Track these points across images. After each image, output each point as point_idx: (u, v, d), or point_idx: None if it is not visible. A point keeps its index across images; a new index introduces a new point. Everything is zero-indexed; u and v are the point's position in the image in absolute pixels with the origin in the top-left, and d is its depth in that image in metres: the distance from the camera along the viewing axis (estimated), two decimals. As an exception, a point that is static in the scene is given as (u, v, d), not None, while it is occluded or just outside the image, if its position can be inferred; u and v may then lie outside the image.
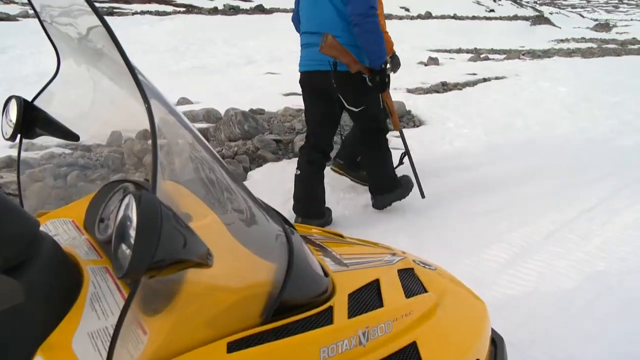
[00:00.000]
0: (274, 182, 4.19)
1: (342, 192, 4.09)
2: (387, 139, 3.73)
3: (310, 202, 3.52)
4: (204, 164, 0.95)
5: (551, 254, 3.28)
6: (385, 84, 3.38)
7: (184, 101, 7.64)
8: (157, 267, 0.62)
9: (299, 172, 3.52)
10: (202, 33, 16.72)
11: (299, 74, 3.58)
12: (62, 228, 1.15)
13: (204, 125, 5.71)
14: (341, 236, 1.66)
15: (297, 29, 3.69)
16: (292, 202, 3.61)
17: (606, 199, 4.25)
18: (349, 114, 3.58)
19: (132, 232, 0.61)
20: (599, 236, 3.56)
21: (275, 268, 0.97)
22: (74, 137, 1.29)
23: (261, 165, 4.62)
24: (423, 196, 3.86)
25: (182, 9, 21.81)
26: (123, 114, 1.16)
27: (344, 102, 3.42)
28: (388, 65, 3.43)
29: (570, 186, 4.50)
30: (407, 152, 3.90)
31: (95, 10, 0.73)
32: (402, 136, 3.93)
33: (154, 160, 0.66)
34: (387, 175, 3.71)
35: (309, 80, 3.51)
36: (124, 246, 0.64)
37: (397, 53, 4.29)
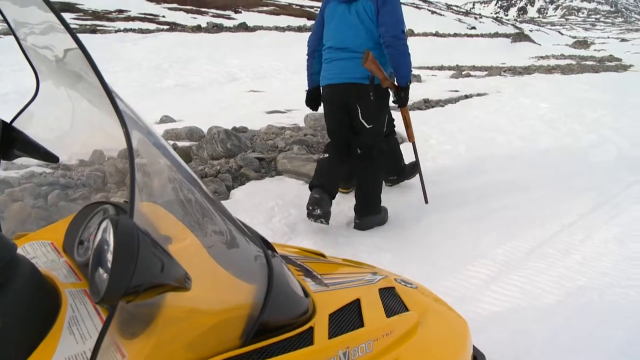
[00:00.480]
0: (257, 201, 4.18)
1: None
2: (382, 163, 3.94)
3: (331, 177, 3.74)
4: (182, 186, 0.95)
5: (533, 270, 3.30)
6: (407, 99, 3.75)
7: (166, 119, 7.62)
8: (134, 292, 0.62)
9: (327, 155, 3.88)
10: (185, 51, 16.75)
11: (321, 87, 3.81)
12: (41, 250, 1.14)
13: (186, 143, 5.70)
14: (323, 256, 1.66)
15: (312, 46, 3.89)
16: (274, 219, 3.65)
17: (586, 214, 4.30)
18: (357, 127, 3.75)
19: (110, 257, 0.61)
20: (579, 251, 3.59)
21: (255, 290, 0.97)
22: (54, 159, 1.28)
23: (244, 184, 4.61)
24: (426, 201, 4.31)
25: (165, 27, 21.85)
26: (104, 134, 1.15)
27: (359, 113, 3.65)
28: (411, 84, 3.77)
29: (552, 202, 4.54)
30: (417, 163, 4.34)
31: (72, 34, 0.74)
32: (414, 148, 4.34)
33: (132, 185, 0.66)
34: (376, 197, 3.86)
35: (333, 92, 3.72)
36: (101, 270, 0.64)
37: None
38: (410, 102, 7.68)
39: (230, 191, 4.41)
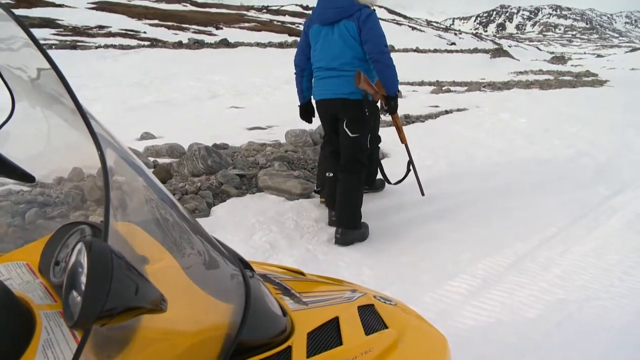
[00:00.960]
0: (238, 218, 4.17)
1: (305, 227, 4.08)
2: (363, 176, 4.08)
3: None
4: (159, 205, 0.95)
5: (514, 284, 3.32)
6: (397, 107, 4.01)
7: (147, 136, 7.59)
8: (108, 315, 0.61)
9: (332, 174, 4.13)
10: (166, 67, 16.72)
11: (315, 101, 4.14)
12: (16, 272, 1.12)
13: (167, 160, 5.68)
14: (302, 273, 1.65)
15: (300, 64, 4.16)
16: (254, 236, 3.66)
17: (565, 228, 4.35)
18: (342, 138, 3.99)
19: (84, 279, 0.61)
20: (559, 265, 3.63)
21: (233, 309, 0.96)
22: (30, 179, 1.27)
23: (225, 201, 4.59)
24: (423, 194, 4.64)
25: (146, 43, 21.81)
26: (82, 152, 1.15)
27: (346, 124, 3.91)
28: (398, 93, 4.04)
29: (531, 216, 4.59)
30: (411, 161, 4.57)
31: (45, 54, 0.74)
32: (407, 148, 4.58)
33: (106, 207, 0.66)
34: (357, 211, 3.98)
35: (325, 106, 4.04)
36: (75, 293, 0.63)
37: None
38: (390, 118, 7.72)
39: (211, 208, 4.39)
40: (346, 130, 3.91)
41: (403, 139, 4.54)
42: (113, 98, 12.29)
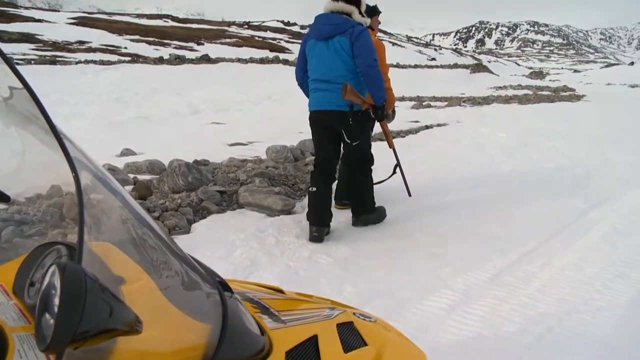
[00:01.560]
0: (218, 234, 4.15)
1: (286, 244, 4.08)
2: (372, 169, 4.58)
3: (325, 212, 4.26)
4: (135, 225, 0.94)
5: (494, 298, 3.33)
6: (384, 116, 4.43)
7: (127, 152, 7.55)
8: (81, 338, 0.61)
9: (315, 189, 4.26)
10: (147, 83, 16.65)
11: (309, 112, 4.38)
12: (-11, 293, 1.11)
13: (147, 176, 5.65)
14: (281, 291, 1.65)
15: (299, 78, 4.52)
16: (235, 253, 3.64)
17: (545, 241, 4.38)
18: (346, 147, 4.34)
19: (57, 302, 0.61)
20: (538, 278, 3.65)
21: (210, 329, 0.96)
22: (5, 198, 1.26)
23: (205, 217, 4.58)
24: (410, 195, 5.31)
25: (127, 59, 21.73)
26: (59, 171, 1.14)
27: (345, 135, 4.23)
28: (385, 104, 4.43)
29: (511, 230, 4.63)
30: (398, 164, 5.16)
31: (18, 75, 0.73)
32: (394, 152, 5.13)
33: (80, 230, 0.66)
34: (370, 199, 4.52)
35: (319, 117, 4.29)
36: (47, 316, 0.63)
37: None
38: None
39: (192, 225, 4.37)
40: (347, 141, 4.24)
41: (391, 144, 5.09)
42: (93, 114, 12.22)
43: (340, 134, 4.25)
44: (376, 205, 4.62)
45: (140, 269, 0.89)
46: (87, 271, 0.62)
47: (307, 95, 4.46)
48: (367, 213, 4.50)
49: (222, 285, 1.13)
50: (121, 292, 0.80)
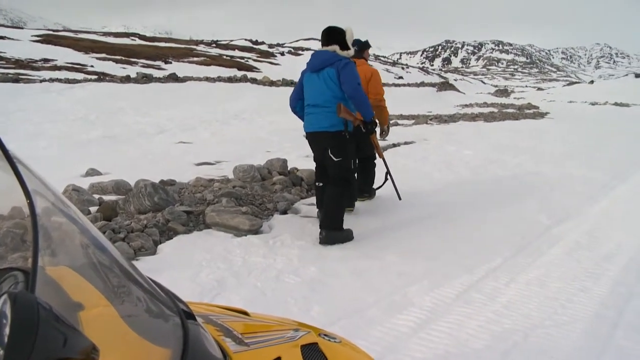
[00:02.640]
0: (185, 255, 4.11)
1: (253, 264, 4.05)
2: (349, 192, 5.05)
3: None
4: (94, 249, 0.93)
5: (461, 315, 3.36)
6: (373, 130, 5.27)
7: (92, 172, 7.45)
8: (33, 369, 0.60)
9: (321, 184, 5.14)
10: (113, 101, 16.46)
11: (305, 133, 5.05)
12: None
13: (113, 197, 5.58)
14: (245, 313, 1.64)
15: (292, 103, 5.25)
16: (201, 274, 3.62)
17: (510, 258, 4.45)
18: (329, 164, 4.90)
19: (7, 332, 0.60)
20: (504, 295, 3.69)
21: (170, 354, 0.95)
22: None
23: (171, 238, 4.53)
24: (400, 198, 6.03)
25: (93, 77, 21.49)
26: (19, 193, 1.12)
27: (330, 152, 4.82)
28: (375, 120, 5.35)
29: (477, 246, 4.68)
30: (388, 172, 6.01)
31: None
32: (384, 161, 6.01)
33: (34, 258, 0.65)
34: (340, 218, 4.82)
35: (312, 137, 5.01)
36: (-2, 347, 0.62)
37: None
38: None
39: (158, 246, 4.32)
40: (331, 156, 4.82)
41: (380, 154, 5.91)
42: (58, 133, 12.02)
43: (327, 149, 4.85)
44: (345, 227, 4.88)
45: (100, 294, 0.88)
46: (41, 300, 0.62)
47: (301, 118, 5.16)
48: (336, 230, 4.76)
49: (184, 309, 1.12)
50: (79, 318, 0.79)
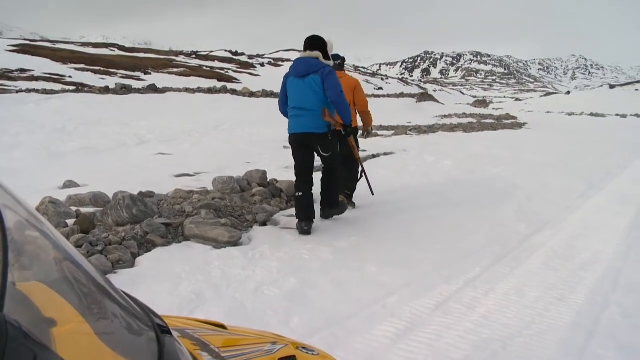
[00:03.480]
0: (163, 268, 4.07)
1: (232, 276, 4.03)
2: (339, 175, 5.73)
3: (310, 210, 5.39)
4: (68, 264, 0.93)
5: (440, 326, 3.37)
6: (351, 133, 5.92)
7: (70, 184, 7.37)
8: (1, 389, 0.59)
9: (301, 194, 5.45)
10: (92, 112, 16.31)
11: (289, 134, 5.50)
12: None
13: (91, 209, 5.52)
14: (223, 327, 1.63)
15: (281, 107, 5.67)
16: (180, 287, 3.61)
17: (489, 267, 4.48)
18: (322, 158, 5.51)
19: (-25, 351, 0.59)
20: (483, 305, 3.72)
21: (145, 370, 0.94)
22: None
23: (150, 251, 4.49)
24: (373, 194, 6.62)
25: (71, 88, 21.27)
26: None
27: (320, 149, 5.43)
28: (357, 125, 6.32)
29: (456, 256, 4.71)
30: (363, 170, 6.56)
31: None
32: (360, 162, 6.56)
33: (4, 275, 0.65)
34: (336, 197, 5.70)
35: (298, 138, 5.43)
36: (-35, 366, 0.61)
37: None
38: (317, 164, 8.11)
39: (136, 259, 4.28)
40: (322, 152, 5.45)
41: (356, 155, 6.41)
42: (35, 144, 11.87)
43: (317, 149, 5.44)
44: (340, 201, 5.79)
45: (73, 310, 0.87)
46: (9, 317, 0.61)
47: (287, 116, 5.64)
48: (333, 207, 5.70)
49: (159, 323, 1.11)
50: (51, 334, 0.78)
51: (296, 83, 5.34)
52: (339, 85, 5.26)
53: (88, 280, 0.95)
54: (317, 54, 5.35)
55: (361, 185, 6.64)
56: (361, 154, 11.34)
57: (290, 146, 5.69)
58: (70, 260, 0.93)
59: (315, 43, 5.41)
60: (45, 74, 25.03)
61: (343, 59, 6.68)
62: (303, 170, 5.53)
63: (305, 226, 5.26)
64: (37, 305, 0.77)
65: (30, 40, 49.50)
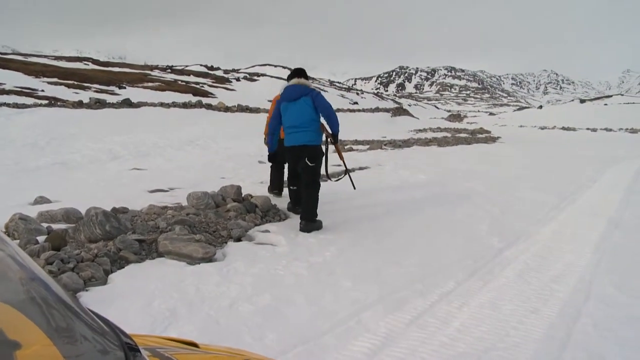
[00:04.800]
0: (137, 285, 4.02)
1: (206, 292, 3.99)
2: (318, 188, 6.40)
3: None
4: (34, 285, 0.91)
5: (415, 340, 3.37)
6: (338, 140, 6.68)
7: (41, 200, 7.26)
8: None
9: (295, 187, 6.76)
10: (65, 127, 16.10)
11: (286, 147, 6.44)
12: None
13: (62, 225, 5.44)
14: (195, 345, 1.61)
15: (272, 127, 6.63)
16: (154, 304, 3.60)
17: (463, 282, 4.50)
18: (305, 168, 6.28)
19: None
20: (457, 318, 3.74)
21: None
22: None
23: (123, 267, 4.43)
24: (354, 188, 7.45)
25: (44, 102, 20.99)
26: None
27: (307, 159, 6.25)
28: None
29: (431, 271, 4.72)
30: (346, 171, 7.43)
31: None
32: (344, 162, 7.40)
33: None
34: (314, 210, 6.23)
35: (292, 149, 6.38)
36: None
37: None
38: None
39: (108, 276, 4.22)
40: (307, 162, 6.24)
41: (341, 158, 7.29)
42: (5, 159, 11.69)
43: (304, 157, 6.26)
44: (317, 218, 6.27)
45: (39, 331, 0.86)
46: None
47: (271, 141, 6.74)
48: (312, 221, 6.15)
49: (128, 342, 1.10)
50: (15, 357, 0.77)
51: (289, 106, 6.34)
52: (329, 104, 6.41)
53: (55, 300, 0.94)
54: (303, 81, 6.45)
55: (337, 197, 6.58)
56: (335, 169, 11.43)
57: (268, 162, 7.54)
58: (37, 280, 0.92)
59: (301, 73, 6.64)
60: (17, 87, 24.68)
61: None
62: (294, 173, 6.66)
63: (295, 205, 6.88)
64: (0, 327, 0.76)
65: (1, 53, 48.88)
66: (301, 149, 6.28)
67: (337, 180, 7.73)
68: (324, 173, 6.98)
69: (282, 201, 7.29)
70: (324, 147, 6.69)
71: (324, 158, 6.66)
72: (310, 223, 6.09)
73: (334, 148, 7.13)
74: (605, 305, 4.03)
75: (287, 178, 6.96)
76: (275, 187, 8.09)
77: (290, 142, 6.38)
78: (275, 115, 6.55)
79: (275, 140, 6.76)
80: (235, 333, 3.34)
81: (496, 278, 4.64)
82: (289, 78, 6.73)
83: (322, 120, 6.47)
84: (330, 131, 6.53)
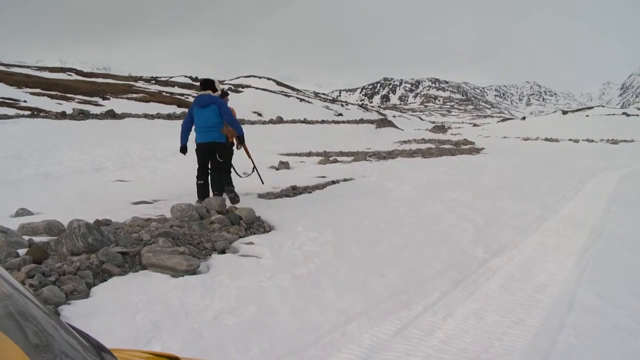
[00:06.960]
0: (120, 298, 3.98)
1: (190, 305, 3.96)
2: (230, 171, 8.59)
3: (206, 192, 8.17)
4: (13, 301, 0.90)
5: (399, 352, 3.37)
6: (244, 140, 8.34)
7: (23, 212, 7.18)
8: None
9: (202, 182, 8.17)
10: (47, 138, 15.95)
11: (197, 144, 8.15)
12: None
13: (44, 238, 5.38)
14: (176, 359, 1.60)
15: (186, 128, 8.18)
16: (137, 317, 3.58)
17: (447, 293, 4.52)
18: (216, 163, 8.11)
19: None
20: (442, 330, 3.74)
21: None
22: None
23: (106, 280, 4.39)
24: (262, 182, 9.66)
25: (26, 113, 20.80)
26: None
27: (218, 155, 8.05)
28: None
29: (415, 282, 4.73)
30: (254, 167, 9.43)
31: None
32: (251, 159, 9.30)
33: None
34: (230, 182, 8.44)
35: (203, 146, 8.07)
36: None
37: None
38: (278, 190, 8.33)
39: (91, 289, 4.17)
40: (218, 158, 8.07)
41: (249, 156, 9.10)
42: (-14, 171, 11.56)
43: (214, 154, 8.05)
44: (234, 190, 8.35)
45: (17, 348, 0.85)
46: None
47: (184, 136, 8.16)
48: (229, 187, 8.34)
49: (108, 358, 1.09)
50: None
51: (201, 111, 8.02)
52: (230, 113, 8.06)
53: (33, 316, 0.93)
54: (209, 92, 8.10)
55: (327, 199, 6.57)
56: (320, 180, 11.47)
57: (180, 152, 8.37)
58: (14, 296, 0.91)
59: (208, 84, 8.26)
60: (-1, 98, 24.44)
61: (224, 93, 8.92)
62: (204, 168, 8.16)
63: (216, 191, 8.26)
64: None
65: (-17, 64, 48.43)
66: (210, 145, 8.02)
67: (246, 176, 9.63)
68: (235, 171, 8.85)
69: (267, 213, 7.26)
70: (235, 149, 8.88)
71: (232, 156, 8.79)
72: (229, 188, 8.32)
73: (243, 148, 8.67)
74: (588, 314, 4.06)
75: (197, 175, 8.19)
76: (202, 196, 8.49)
77: (201, 140, 8.08)
78: (188, 117, 8.17)
79: (186, 136, 8.17)
80: (220, 346, 3.32)
81: (480, 289, 4.65)
82: (200, 88, 8.36)
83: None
84: (233, 134, 8.22)
